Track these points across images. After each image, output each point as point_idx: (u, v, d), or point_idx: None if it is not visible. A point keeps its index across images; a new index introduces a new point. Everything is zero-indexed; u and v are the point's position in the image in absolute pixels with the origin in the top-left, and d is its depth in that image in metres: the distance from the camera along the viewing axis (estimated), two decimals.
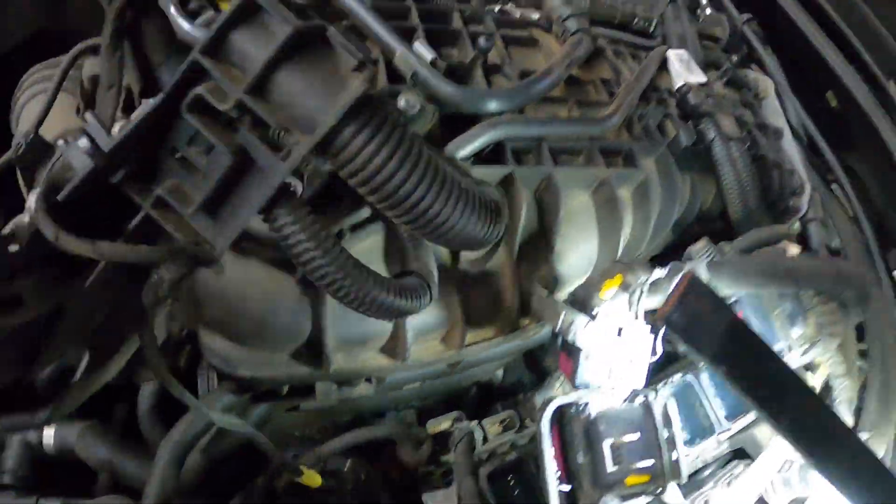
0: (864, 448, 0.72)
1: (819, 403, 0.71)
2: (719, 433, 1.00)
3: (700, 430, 0.98)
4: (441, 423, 1.09)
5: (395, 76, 0.98)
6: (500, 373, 1.28)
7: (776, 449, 1.01)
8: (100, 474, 1.08)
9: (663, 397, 0.89)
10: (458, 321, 0.93)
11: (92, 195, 0.64)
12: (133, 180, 0.65)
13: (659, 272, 0.83)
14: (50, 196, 0.63)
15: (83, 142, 0.63)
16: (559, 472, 0.81)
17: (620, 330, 0.82)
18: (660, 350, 0.84)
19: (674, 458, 0.78)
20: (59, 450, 1.08)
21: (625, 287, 0.83)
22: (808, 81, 1.64)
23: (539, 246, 0.98)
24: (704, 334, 0.67)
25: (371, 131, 0.63)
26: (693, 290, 0.69)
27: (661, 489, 0.79)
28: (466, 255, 0.97)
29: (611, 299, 0.82)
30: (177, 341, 1.06)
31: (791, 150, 1.52)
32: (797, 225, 1.48)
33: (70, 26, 1.61)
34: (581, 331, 0.80)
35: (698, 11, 1.65)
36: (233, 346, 0.92)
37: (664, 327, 0.67)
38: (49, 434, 1.08)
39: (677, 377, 0.98)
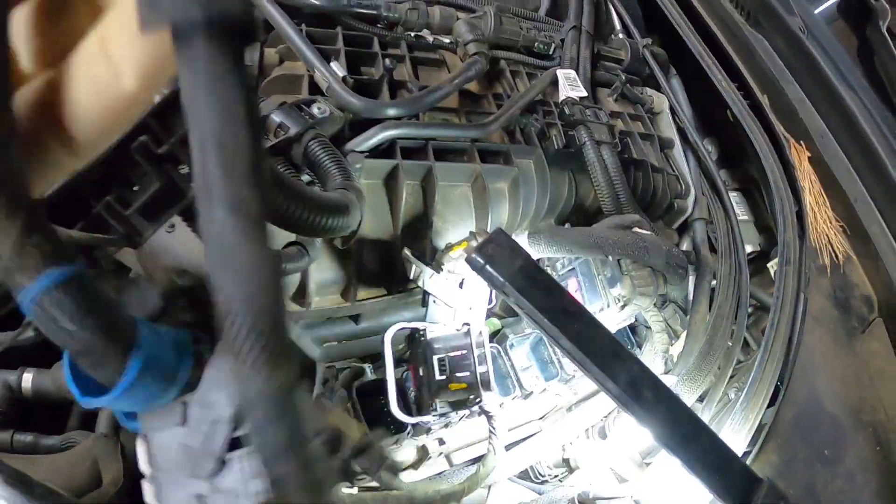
0: (639, 364, 0.93)
1: (600, 329, 0.91)
2: (564, 378, 1.27)
3: (549, 373, 1.25)
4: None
5: (315, 88, 1.26)
6: None
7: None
8: (72, 414, 1.19)
9: (513, 339, 1.17)
10: (351, 278, 1.20)
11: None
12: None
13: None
14: None
15: None
16: (413, 383, 1.08)
17: (462, 282, 1.09)
18: (494, 300, 1.10)
19: (482, 371, 1.03)
20: (36, 392, 1.16)
21: (468, 250, 1.10)
22: (711, 98, 1.90)
23: (422, 224, 1.25)
24: (501, 272, 0.89)
25: None
26: (496, 239, 0.91)
27: (478, 398, 1.05)
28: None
29: (456, 258, 1.09)
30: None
31: (679, 158, 1.78)
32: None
33: None
34: (428, 279, 1.07)
35: (612, 36, 1.92)
36: None
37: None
38: (28, 378, 1.17)
39: (529, 330, 1.25)
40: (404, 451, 1.17)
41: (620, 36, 1.90)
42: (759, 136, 1.70)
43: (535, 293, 0.89)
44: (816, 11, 2.25)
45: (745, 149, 1.85)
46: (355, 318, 1.28)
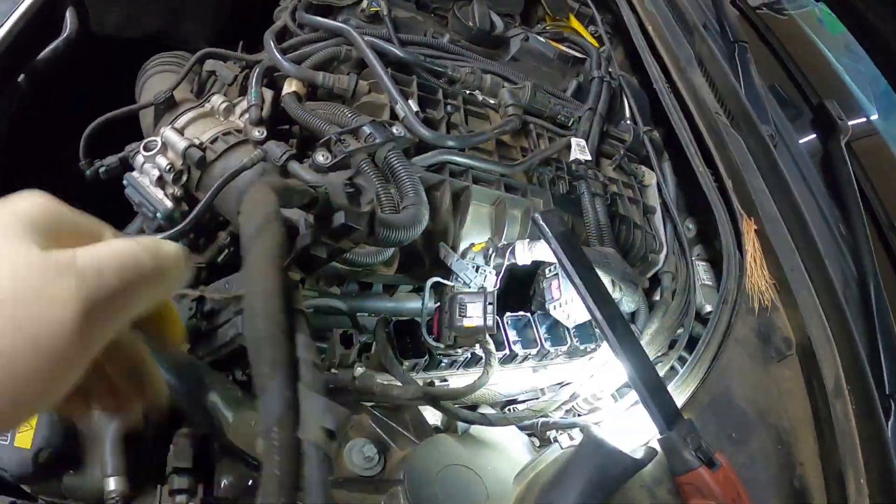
0: (619, 310, 1.38)
1: (601, 283, 1.34)
2: (541, 353, 1.69)
3: (528, 344, 1.68)
4: None
5: (394, 116, 1.74)
6: None
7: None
8: None
9: (507, 318, 1.61)
10: (396, 254, 1.64)
11: None
12: None
13: (506, 243, 1.56)
14: None
15: None
16: (434, 335, 1.51)
17: (478, 268, 1.54)
18: (499, 284, 1.55)
19: (490, 318, 1.46)
20: None
21: (486, 249, 1.55)
22: (693, 181, 2.36)
23: (453, 227, 1.70)
24: (552, 230, 1.32)
25: None
26: (552, 212, 1.36)
27: (484, 337, 1.48)
28: None
29: (477, 253, 1.54)
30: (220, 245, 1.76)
31: (659, 224, 2.24)
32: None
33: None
34: (454, 262, 1.52)
35: (621, 122, 2.40)
36: None
37: (533, 220, 1.36)
38: None
39: (521, 313, 1.69)
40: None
41: (628, 122, 2.38)
42: (720, 208, 2.15)
43: (568, 250, 1.34)
44: (801, 141, 2.78)
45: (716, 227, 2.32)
46: (391, 289, 1.72)
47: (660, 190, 2.27)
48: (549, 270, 1.66)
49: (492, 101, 1.99)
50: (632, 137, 2.28)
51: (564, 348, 1.70)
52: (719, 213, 2.12)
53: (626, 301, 1.64)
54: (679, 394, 1.65)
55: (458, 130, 1.81)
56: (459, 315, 1.47)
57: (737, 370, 1.77)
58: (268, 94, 1.79)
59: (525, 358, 1.65)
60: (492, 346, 1.48)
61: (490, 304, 1.46)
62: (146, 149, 1.61)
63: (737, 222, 2.10)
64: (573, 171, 1.94)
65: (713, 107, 2.39)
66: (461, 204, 1.70)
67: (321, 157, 1.53)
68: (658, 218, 2.24)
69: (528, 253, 1.53)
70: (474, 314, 1.46)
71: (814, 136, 2.83)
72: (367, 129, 1.55)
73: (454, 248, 1.67)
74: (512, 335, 1.64)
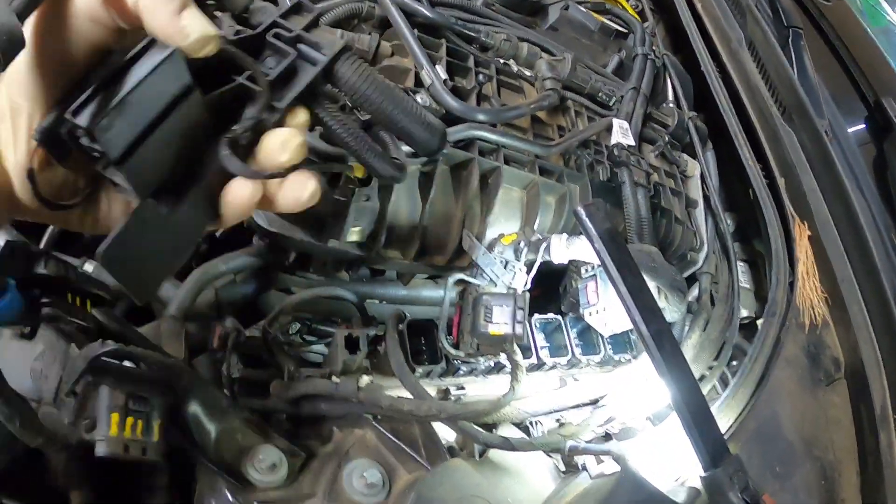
0: (666, 323, 1.17)
1: (646, 288, 1.12)
2: (572, 362, 1.51)
3: (557, 350, 1.49)
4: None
5: (419, 83, 1.53)
6: None
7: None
8: None
9: (535, 320, 1.42)
10: (415, 240, 1.45)
11: None
12: None
13: (539, 236, 1.36)
14: None
15: None
16: (453, 337, 1.32)
17: (507, 263, 1.34)
18: (529, 284, 1.36)
19: (520, 326, 1.27)
20: None
21: (516, 242, 1.36)
22: (738, 175, 2.16)
23: (480, 212, 1.50)
24: (595, 225, 1.11)
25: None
26: (596, 204, 1.17)
27: (511, 347, 1.29)
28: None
29: (507, 245, 1.34)
30: None
31: (700, 218, 2.04)
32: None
33: None
34: (480, 256, 1.33)
35: (664, 104, 2.19)
36: None
37: (575, 214, 1.14)
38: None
39: (551, 315, 1.50)
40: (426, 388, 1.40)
41: (671, 105, 2.17)
42: (770, 209, 1.96)
43: (613, 250, 1.14)
44: (851, 130, 2.56)
45: (758, 225, 2.12)
46: (405, 277, 1.53)
47: (703, 182, 2.07)
48: (586, 270, 1.47)
49: (527, 73, 1.78)
50: (675, 122, 2.07)
51: (597, 358, 1.52)
52: (769, 214, 1.93)
53: (670, 311, 1.45)
54: (722, 417, 1.47)
55: (489, 103, 1.60)
56: (484, 320, 1.28)
57: (785, 394, 1.59)
58: None
59: (553, 367, 1.46)
60: (520, 358, 1.29)
61: (521, 308, 1.27)
62: None
63: (788, 225, 1.91)
64: (614, 157, 1.73)
65: (765, 95, 2.18)
66: (490, 187, 1.50)
67: None
68: (699, 212, 2.04)
69: (565, 250, 1.34)
70: (501, 320, 1.27)
71: (864, 133, 2.63)
72: None
73: (479, 238, 1.48)
74: (539, 339, 1.45)
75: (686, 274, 2.00)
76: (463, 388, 1.41)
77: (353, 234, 1.31)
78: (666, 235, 1.86)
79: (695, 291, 1.97)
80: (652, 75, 2.10)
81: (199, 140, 0.63)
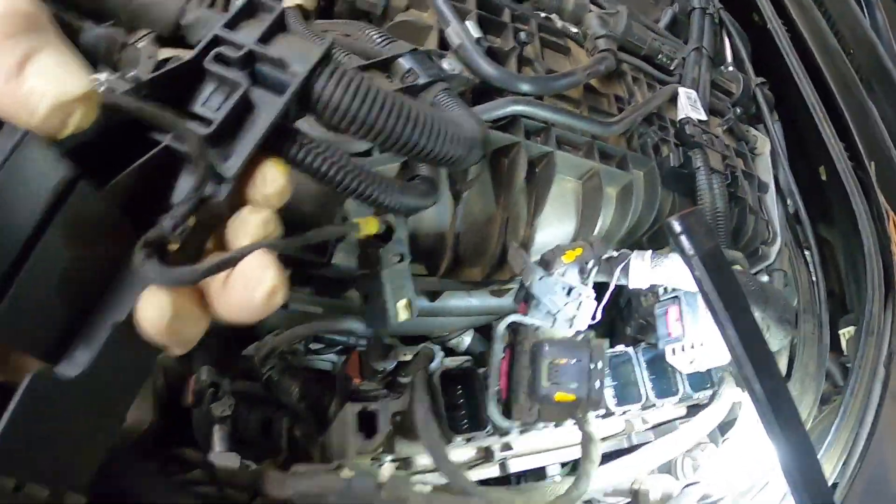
0: (782, 380, 0.87)
1: (760, 336, 0.84)
2: (644, 406, 1.18)
3: (627, 396, 1.16)
4: (408, 352, 1.25)
5: (444, 44, 1.17)
6: (466, 340, 1.40)
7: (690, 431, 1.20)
8: None
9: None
10: (446, 252, 1.11)
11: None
12: None
13: (612, 252, 1.02)
14: None
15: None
16: (500, 386, 0.99)
17: (570, 290, 1.00)
18: (599, 316, 1.02)
19: (597, 387, 0.94)
20: None
21: (583, 258, 1.01)
22: (806, 151, 1.82)
23: (528, 212, 1.16)
24: (694, 245, 0.82)
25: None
26: (696, 215, 0.84)
27: (583, 415, 0.96)
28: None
29: (569, 265, 1.00)
30: None
31: (772, 205, 1.70)
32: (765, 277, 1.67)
33: None
34: (536, 282, 0.98)
35: (722, 67, 1.84)
36: None
37: (667, 228, 0.82)
38: None
39: (619, 348, 1.17)
40: (463, 450, 1.08)
41: (732, 69, 1.82)
42: (860, 203, 1.63)
43: (716, 277, 0.83)
44: None
45: (829, 210, 1.79)
46: (433, 295, 1.19)
47: (774, 160, 1.73)
48: (665, 290, 1.13)
49: (573, 30, 1.42)
50: (741, 90, 1.72)
51: (674, 399, 1.19)
52: (858, 208, 1.59)
53: (770, 342, 1.13)
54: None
55: (532, 69, 1.25)
56: (549, 380, 0.94)
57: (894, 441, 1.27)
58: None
59: (623, 413, 1.13)
60: (594, 429, 0.95)
61: (597, 366, 0.93)
62: None
63: (882, 222, 1.57)
64: (685, 135, 1.38)
65: (845, 59, 1.83)
66: (539, 178, 1.16)
67: None
68: (770, 197, 1.70)
69: (649, 272, 1.00)
70: (571, 379, 0.94)
71: None
72: (404, 63, 1.00)
73: (523, 246, 1.13)
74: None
75: (755, 271, 1.67)
76: (510, 446, 1.09)
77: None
78: (738, 229, 1.53)
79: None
80: (712, 33, 1.74)
81: (111, 249, 0.43)
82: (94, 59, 0.89)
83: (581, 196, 1.22)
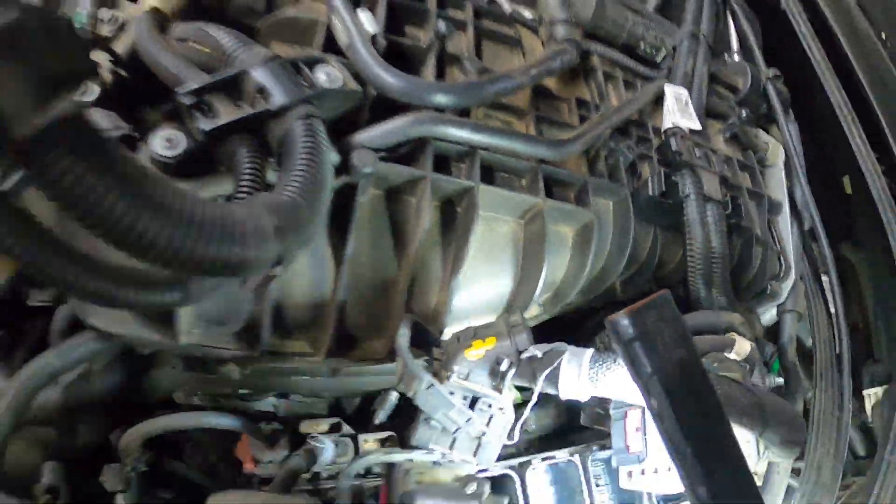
0: None
1: (751, 485, 0.57)
2: None
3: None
4: (318, 425, 0.98)
5: (332, 44, 0.87)
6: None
7: None
8: None
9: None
10: (327, 326, 0.81)
11: None
12: None
13: (537, 348, 0.70)
14: None
15: None
16: None
17: (475, 401, 0.69)
18: (517, 437, 0.71)
19: None
20: None
21: (495, 353, 0.70)
22: (827, 159, 1.50)
23: (439, 269, 0.85)
24: (653, 357, 0.54)
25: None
26: (661, 306, 0.55)
27: None
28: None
29: (475, 363, 0.69)
30: None
31: (785, 228, 1.39)
32: (773, 312, 1.35)
33: None
34: (422, 390, 0.67)
35: (725, 55, 1.50)
36: None
37: (612, 331, 0.53)
38: None
39: (562, 454, 0.86)
40: None
41: (737, 58, 1.49)
42: (893, 221, 1.31)
43: (687, 406, 0.58)
44: None
45: (852, 227, 1.50)
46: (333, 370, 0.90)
47: (788, 172, 1.40)
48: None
49: (527, 15, 1.10)
50: (748, 84, 1.39)
51: None
52: (892, 227, 1.28)
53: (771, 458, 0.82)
54: None
55: (458, 70, 0.94)
56: None
57: None
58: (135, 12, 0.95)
59: None
60: None
61: None
62: None
63: None
64: (672, 151, 1.06)
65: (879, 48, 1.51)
66: (459, 222, 0.85)
67: (162, 142, 0.70)
68: (783, 220, 1.38)
69: (586, 385, 0.68)
70: None
71: None
72: (256, 77, 0.70)
73: (435, 318, 0.83)
74: (538, 487, 0.81)
75: (762, 309, 1.35)
76: None
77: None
78: (742, 266, 1.23)
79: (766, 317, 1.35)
80: (713, 14, 1.41)
81: None
82: None
83: (521, 242, 0.91)
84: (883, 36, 1.58)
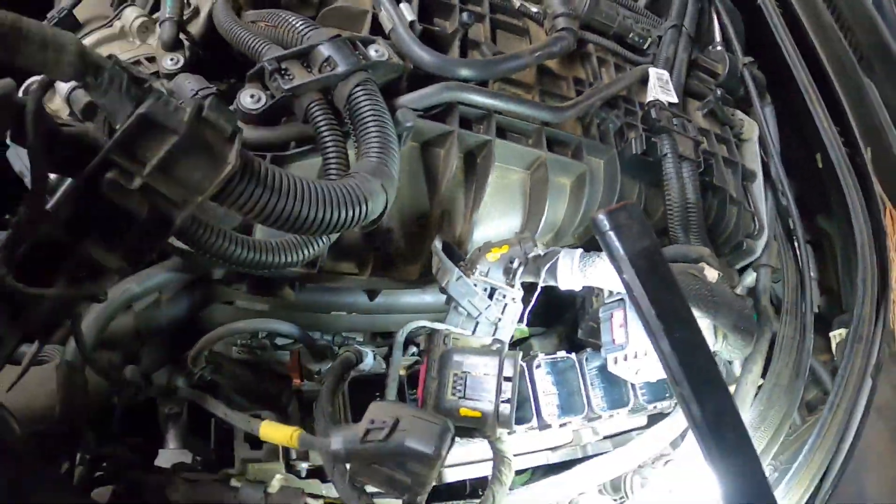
0: (731, 400, 0.78)
1: (704, 348, 0.75)
2: (590, 417, 1.09)
3: (569, 407, 1.07)
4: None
5: (378, 30, 1.10)
6: None
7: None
8: None
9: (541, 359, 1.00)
10: (373, 250, 1.03)
11: None
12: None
13: (539, 250, 0.93)
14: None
15: None
16: (416, 394, 0.91)
17: (493, 291, 0.92)
18: (525, 321, 0.94)
19: (506, 405, 0.86)
20: None
21: (509, 256, 0.93)
22: (802, 137, 1.70)
23: (463, 206, 1.08)
24: (624, 244, 0.74)
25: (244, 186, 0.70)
26: (629, 210, 0.75)
27: (491, 434, 0.88)
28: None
29: (493, 263, 0.92)
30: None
31: (759, 194, 1.59)
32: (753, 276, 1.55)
33: None
34: (452, 282, 0.90)
35: (710, 47, 1.72)
36: None
37: (594, 225, 0.74)
38: None
39: (561, 354, 1.08)
40: None
41: (719, 48, 1.70)
42: (854, 193, 1.50)
43: (651, 281, 0.74)
44: None
45: (827, 200, 1.66)
46: (370, 294, 1.12)
47: (762, 147, 1.61)
48: (610, 292, 1.03)
49: (533, 9, 1.33)
50: (727, 71, 1.61)
51: (624, 411, 1.10)
52: (852, 200, 1.47)
53: (728, 352, 1.03)
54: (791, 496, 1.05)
55: (478, 52, 1.17)
56: (454, 393, 0.86)
57: (875, 460, 1.17)
58: (204, 2, 1.20)
59: (563, 426, 1.05)
60: (506, 447, 0.87)
61: (507, 379, 0.85)
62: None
63: (877, 215, 1.45)
64: (652, 119, 1.29)
65: (840, 37, 1.70)
66: (478, 169, 1.08)
67: (249, 97, 0.94)
68: (757, 186, 1.59)
69: (579, 276, 0.91)
70: (479, 393, 0.86)
71: None
72: (323, 51, 0.94)
73: (460, 244, 1.05)
74: (545, 384, 1.03)
75: (739, 266, 1.56)
76: None
77: None
78: (717, 221, 1.42)
79: (747, 280, 1.54)
80: (696, 10, 1.63)
81: None
82: None
83: (527, 188, 1.13)
84: (850, 28, 1.79)
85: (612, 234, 0.76)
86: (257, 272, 1.00)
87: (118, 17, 1.24)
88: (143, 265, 1.03)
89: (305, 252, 0.87)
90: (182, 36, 1.14)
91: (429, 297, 1.18)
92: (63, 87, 1.04)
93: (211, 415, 0.98)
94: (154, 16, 1.24)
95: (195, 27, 1.19)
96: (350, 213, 0.76)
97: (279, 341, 1.15)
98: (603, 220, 0.76)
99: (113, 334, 1.02)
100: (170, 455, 1.01)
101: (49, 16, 1.25)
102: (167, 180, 0.65)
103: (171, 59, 1.10)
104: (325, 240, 0.91)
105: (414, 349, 1.13)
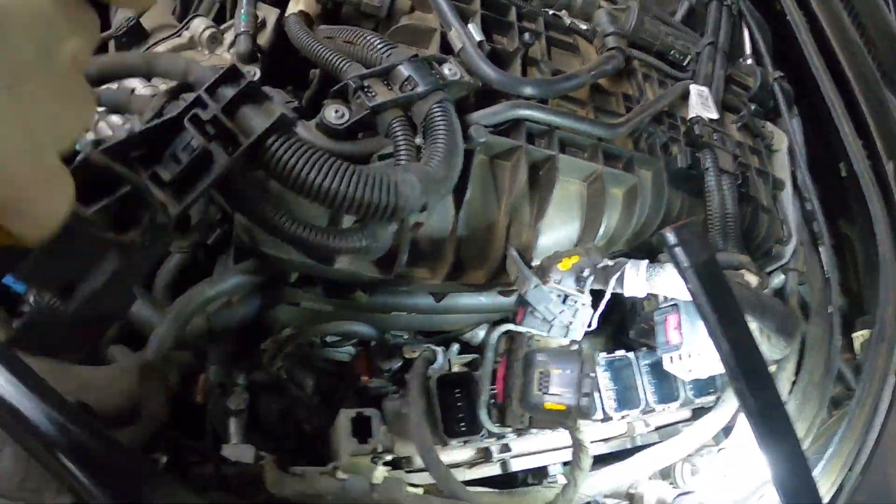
0: (777, 395, 0.87)
1: (755, 347, 0.83)
2: (645, 410, 1.18)
3: (627, 400, 1.16)
4: (417, 351, 1.25)
5: (445, 47, 1.17)
6: (480, 333, 1.42)
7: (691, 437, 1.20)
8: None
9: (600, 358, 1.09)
10: (447, 256, 1.11)
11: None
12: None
13: (608, 262, 1.02)
14: None
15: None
16: (496, 389, 1.00)
17: (566, 298, 1.00)
18: (595, 324, 1.02)
19: (587, 399, 0.94)
20: None
21: (579, 266, 1.01)
22: (829, 147, 1.78)
23: (530, 216, 1.16)
24: (689, 256, 0.80)
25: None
26: (692, 226, 0.83)
27: (573, 424, 0.97)
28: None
29: (566, 273, 1.00)
30: (210, 223, 1.21)
31: (788, 202, 1.67)
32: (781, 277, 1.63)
33: None
34: (531, 290, 0.99)
35: (740, 60, 1.80)
36: None
37: (662, 239, 0.81)
38: None
39: (620, 352, 1.17)
40: (462, 450, 1.09)
41: (749, 62, 1.79)
42: (876, 202, 1.58)
43: (711, 288, 0.83)
44: None
45: (849, 205, 1.74)
46: (437, 296, 1.20)
47: (791, 157, 1.69)
48: (665, 297, 1.12)
49: (583, 27, 1.41)
50: (758, 84, 1.69)
51: (674, 405, 1.19)
52: (875, 210, 1.54)
53: (771, 352, 1.12)
54: (822, 484, 1.14)
55: (537, 70, 1.25)
56: (539, 389, 0.95)
57: None
58: (270, 15, 1.30)
59: (623, 418, 1.13)
60: (585, 437, 0.96)
61: (589, 376, 0.94)
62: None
63: None
64: (695, 135, 1.37)
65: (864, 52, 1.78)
66: (541, 181, 1.16)
67: (333, 112, 1.01)
68: (786, 195, 1.67)
69: (644, 284, 0.99)
70: (562, 389, 0.94)
71: None
72: (404, 71, 1.01)
73: (525, 250, 1.13)
74: (604, 382, 1.12)
75: (769, 270, 1.64)
76: (508, 447, 1.10)
77: None
78: (750, 229, 1.51)
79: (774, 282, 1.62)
80: (730, 26, 1.71)
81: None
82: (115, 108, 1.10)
83: (585, 199, 1.21)
84: (874, 45, 1.86)
85: (678, 248, 0.84)
86: (325, 265, 1.06)
87: (186, 27, 1.31)
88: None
89: (364, 241, 0.95)
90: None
91: (484, 299, 1.26)
92: None
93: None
94: (221, 26, 1.32)
95: (262, 39, 1.27)
96: (375, 196, 0.85)
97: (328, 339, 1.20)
98: (670, 236, 0.84)
99: (188, 335, 1.06)
100: (233, 450, 1.01)
101: (116, 23, 1.33)
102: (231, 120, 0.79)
103: (250, 72, 1.18)
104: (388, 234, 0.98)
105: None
